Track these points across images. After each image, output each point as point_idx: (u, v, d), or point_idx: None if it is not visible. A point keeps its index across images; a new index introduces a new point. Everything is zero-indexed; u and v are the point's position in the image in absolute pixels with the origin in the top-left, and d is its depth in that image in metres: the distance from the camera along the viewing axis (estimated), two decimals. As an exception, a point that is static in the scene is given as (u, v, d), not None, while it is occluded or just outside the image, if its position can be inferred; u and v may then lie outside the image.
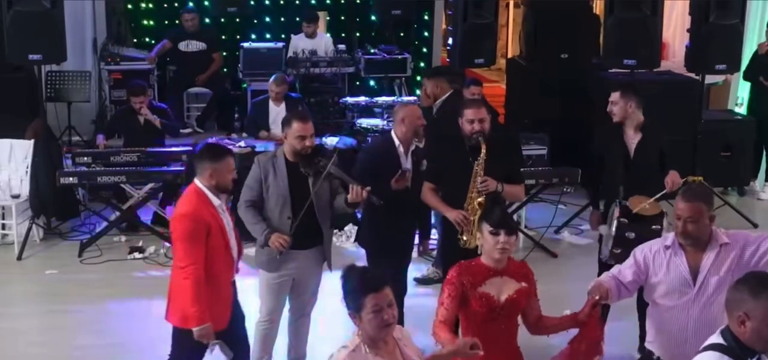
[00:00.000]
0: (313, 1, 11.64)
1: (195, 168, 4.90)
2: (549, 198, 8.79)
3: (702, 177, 6.55)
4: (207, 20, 11.15)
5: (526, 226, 8.36)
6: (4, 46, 8.12)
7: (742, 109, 10.61)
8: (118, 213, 8.29)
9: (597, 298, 4.13)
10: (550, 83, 10.16)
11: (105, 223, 8.24)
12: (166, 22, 11.27)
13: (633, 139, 5.95)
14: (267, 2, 11.52)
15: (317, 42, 10.64)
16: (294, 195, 5.21)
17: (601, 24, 9.79)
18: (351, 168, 5.66)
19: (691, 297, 4.15)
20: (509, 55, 13.99)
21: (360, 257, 6.16)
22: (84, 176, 7.97)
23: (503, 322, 4.11)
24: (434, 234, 6.40)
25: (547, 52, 10.26)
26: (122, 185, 8.19)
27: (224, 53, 11.01)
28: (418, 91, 10.17)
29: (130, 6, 11.35)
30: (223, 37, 11.36)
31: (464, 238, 5.31)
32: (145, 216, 8.56)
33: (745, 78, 10.15)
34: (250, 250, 5.55)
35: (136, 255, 7.88)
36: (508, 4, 15.53)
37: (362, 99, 10.06)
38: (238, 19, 11.33)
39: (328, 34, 11.11)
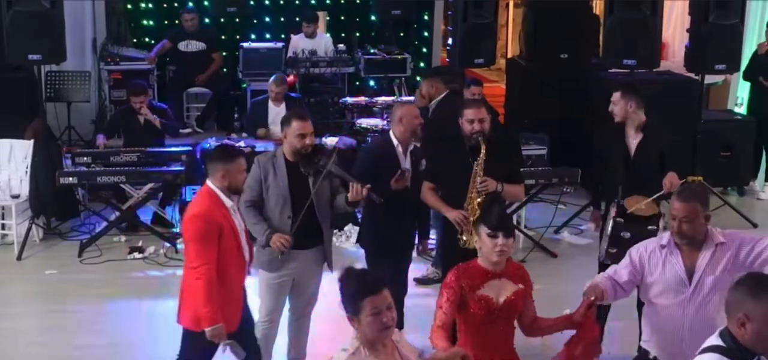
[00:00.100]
0: (313, 1, 11.64)
1: (206, 169, 4.90)
2: (549, 198, 8.78)
3: (702, 177, 6.53)
4: (207, 20, 11.16)
5: (525, 226, 8.36)
6: (3, 46, 8.12)
7: (741, 109, 10.60)
8: (117, 213, 8.28)
9: (592, 298, 4.13)
10: (549, 83, 10.15)
11: (105, 223, 8.23)
12: (166, 22, 11.28)
13: (634, 139, 5.94)
14: (267, 2, 11.52)
15: (317, 42, 10.64)
16: (294, 195, 5.21)
17: (601, 24, 9.79)
18: (350, 168, 5.65)
19: (686, 296, 4.15)
20: (509, 55, 13.99)
21: (360, 258, 6.15)
22: (84, 176, 7.97)
23: (501, 324, 4.09)
24: (433, 234, 6.40)
25: (546, 52, 10.26)
26: (122, 185, 8.20)
27: (224, 53, 11.01)
28: (418, 91, 10.17)
29: (129, 6, 11.36)
30: (223, 37, 11.37)
31: (464, 238, 5.31)
32: (145, 216, 8.55)
33: (745, 78, 10.15)
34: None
35: (136, 255, 7.87)
36: (508, 4, 15.53)
37: (362, 99, 10.06)
38: (237, 19, 11.34)
39: (328, 34, 11.11)
